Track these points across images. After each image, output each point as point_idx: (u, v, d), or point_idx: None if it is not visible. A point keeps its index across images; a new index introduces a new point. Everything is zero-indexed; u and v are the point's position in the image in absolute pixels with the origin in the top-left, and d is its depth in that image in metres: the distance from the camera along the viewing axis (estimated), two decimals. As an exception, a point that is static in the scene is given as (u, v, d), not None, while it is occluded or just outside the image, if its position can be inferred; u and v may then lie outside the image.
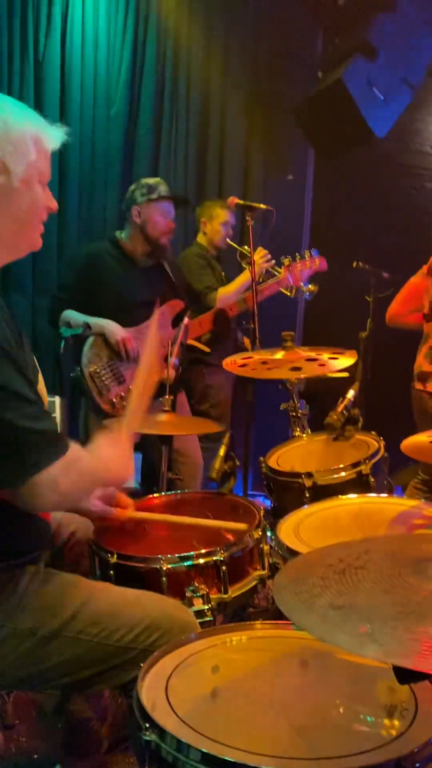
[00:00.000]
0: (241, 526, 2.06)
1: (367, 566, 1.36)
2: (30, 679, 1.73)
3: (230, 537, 2.12)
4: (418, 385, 3.65)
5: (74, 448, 1.61)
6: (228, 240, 4.45)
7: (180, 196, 3.85)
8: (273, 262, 4.04)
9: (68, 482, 1.57)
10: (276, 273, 4.04)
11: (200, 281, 4.21)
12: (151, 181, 3.68)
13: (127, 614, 1.72)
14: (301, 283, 4.05)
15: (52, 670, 1.69)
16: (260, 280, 3.99)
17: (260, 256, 3.97)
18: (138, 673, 1.43)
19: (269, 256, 4.04)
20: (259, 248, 3.98)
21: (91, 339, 3.54)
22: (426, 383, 3.61)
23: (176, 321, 3.72)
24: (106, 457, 1.76)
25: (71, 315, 3.57)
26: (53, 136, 1.71)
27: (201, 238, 4.52)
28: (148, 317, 3.61)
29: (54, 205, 1.75)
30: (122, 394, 3.54)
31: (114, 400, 3.53)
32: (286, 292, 4.07)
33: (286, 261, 4.03)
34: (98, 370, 3.55)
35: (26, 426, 1.50)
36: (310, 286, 4.04)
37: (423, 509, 2.22)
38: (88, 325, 3.51)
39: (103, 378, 3.55)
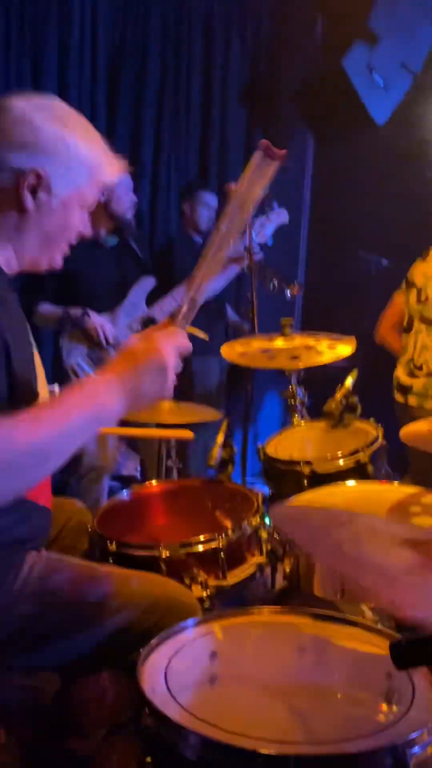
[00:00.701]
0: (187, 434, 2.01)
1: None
2: (35, 661, 1.75)
3: (228, 524, 2.12)
4: (399, 398, 3.66)
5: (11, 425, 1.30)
6: (213, 225, 4.41)
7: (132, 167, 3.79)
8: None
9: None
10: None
11: (183, 263, 4.16)
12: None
13: (128, 595, 1.73)
14: (265, 240, 3.93)
15: (55, 652, 1.71)
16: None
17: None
18: (140, 653, 1.45)
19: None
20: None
21: (67, 332, 3.50)
22: (407, 396, 3.61)
23: (149, 300, 3.69)
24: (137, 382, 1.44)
25: (45, 309, 3.52)
26: (112, 170, 1.68)
27: (183, 223, 4.42)
28: (121, 300, 3.60)
29: (87, 231, 1.73)
30: None
31: None
32: (269, 289, 3.97)
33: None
34: (79, 362, 3.51)
35: None
36: (295, 286, 3.96)
37: (421, 497, 2.22)
38: (67, 314, 3.46)
39: (87, 369, 3.52)
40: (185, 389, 4.15)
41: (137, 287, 3.65)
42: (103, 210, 3.55)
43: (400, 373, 3.66)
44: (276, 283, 3.91)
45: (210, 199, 4.32)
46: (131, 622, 1.70)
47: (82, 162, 1.62)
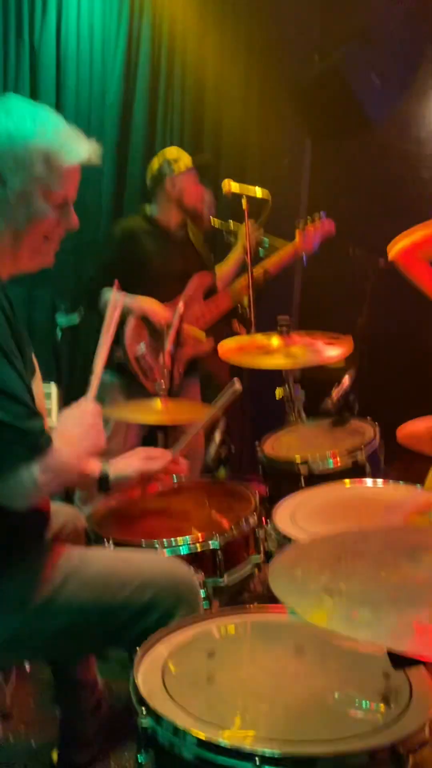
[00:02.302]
0: None
1: (363, 554, 1.36)
2: (28, 652, 1.75)
3: (225, 523, 2.12)
4: None
5: (54, 445, 1.61)
6: (212, 219, 4.40)
7: (200, 158, 3.81)
8: (262, 230, 3.98)
9: (47, 479, 1.59)
10: (270, 245, 3.94)
11: (191, 264, 4.18)
12: (173, 151, 3.66)
13: (120, 572, 1.74)
14: (314, 250, 3.98)
15: (48, 640, 1.71)
16: (260, 253, 3.92)
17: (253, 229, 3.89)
18: (136, 630, 1.44)
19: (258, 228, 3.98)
20: (249, 222, 3.89)
21: (132, 320, 3.51)
22: None
23: (206, 295, 3.72)
24: (79, 438, 1.75)
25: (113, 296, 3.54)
26: (71, 152, 1.67)
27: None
28: (181, 290, 3.64)
29: (72, 224, 1.74)
30: (164, 371, 3.51)
31: (158, 379, 3.51)
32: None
33: (300, 225, 3.96)
34: (143, 353, 3.53)
35: (12, 424, 1.53)
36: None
37: (418, 496, 2.22)
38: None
39: (148, 358, 3.53)
40: (204, 388, 4.13)
41: (195, 280, 3.69)
42: (175, 204, 3.60)
43: None
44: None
45: (206, 196, 4.33)
46: (123, 599, 1.70)
47: (33, 151, 1.62)
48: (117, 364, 3.47)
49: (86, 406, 1.85)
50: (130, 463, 2.01)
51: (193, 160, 3.66)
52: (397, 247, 3.34)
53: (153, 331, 3.52)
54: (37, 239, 1.70)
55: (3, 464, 1.54)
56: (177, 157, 3.62)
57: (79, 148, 1.69)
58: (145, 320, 3.51)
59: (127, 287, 3.51)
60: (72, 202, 1.73)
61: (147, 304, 3.48)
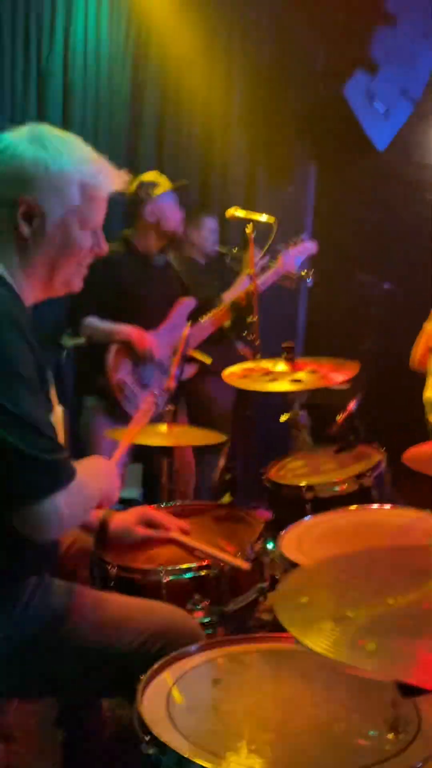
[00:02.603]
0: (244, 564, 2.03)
1: (369, 578, 1.35)
2: (34, 689, 1.73)
3: (230, 549, 2.11)
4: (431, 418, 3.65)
5: (78, 476, 1.63)
6: (218, 247, 4.44)
7: (178, 183, 3.83)
8: (268, 258, 4.00)
9: (71, 510, 1.60)
10: (270, 266, 3.97)
11: (201, 288, 4.21)
12: (150, 177, 3.67)
13: (133, 622, 1.72)
14: (295, 269, 4.00)
15: (56, 679, 1.70)
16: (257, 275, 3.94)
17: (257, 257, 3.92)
18: (141, 679, 1.43)
19: (265, 260, 4.00)
20: (256, 250, 3.92)
21: (114, 347, 3.53)
22: None
23: (190, 318, 3.72)
24: (98, 479, 1.83)
25: (94, 323, 3.56)
26: (105, 182, 1.71)
27: (188, 249, 4.50)
28: (165, 317, 3.65)
29: (103, 250, 1.78)
30: (148, 399, 3.51)
31: (142, 406, 3.51)
32: (286, 283, 4.03)
33: (281, 246, 3.98)
34: (125, 378, 3.54)
35: (36, 456, 1.52)
36: (302, 272, 4.00)
37: (426, 520, 2.21)
38: (87, 333, 3.50)
39: (131, 385, 3.54)
40: (203, 413, 4.14)
41: (179, 307, 3.69)
42: (153, 230, 3.59)
43: (430, 394, 3.66)
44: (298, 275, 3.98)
45: (212, 223, 4.39)
46: (133, 649, 1.69)
47: (69, 181, 1.66)
48: (100, 389, 3.50)
49: (106, 462, 1.95)
50: (130, 529, 2.07)
51: (172, 184, 3.66)
52: (412, 359, 3.60)
53: (135, 357, 3.53)
54: (71, 267, 1.74)
55: (28, 497, 1.54)
56: (154, 180, 3.62)
57: (111, 178, 1.74)
58: (127, 347, 3.51)
59: (109, 314, 3.54)
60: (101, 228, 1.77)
61: (129, 330, 3.50)
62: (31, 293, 1.70)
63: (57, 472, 1.57)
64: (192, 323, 3.58)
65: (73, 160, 1.67)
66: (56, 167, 1.64)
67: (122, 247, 3.66)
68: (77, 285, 1.79)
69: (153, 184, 3.60)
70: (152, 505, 2.48)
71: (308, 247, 4.05)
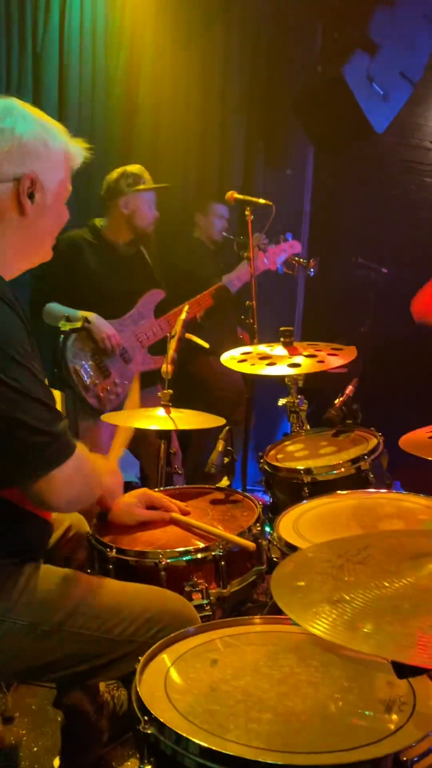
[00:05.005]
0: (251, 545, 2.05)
1: (366, 561, 1.36)
2: (31, 673, 1.75)
3: (228, 532, 2.12)
4: None
5: (81, 449, 1.66)
6: (224, 233, 4.46)
7: (161, 184, 3.83)
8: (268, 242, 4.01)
9: (79, 480, 1.65)
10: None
11: (205, 268, 4.21)
12: (134, 169, 3.66)
13: (128, 608, 1.74)
14: (276, 268, 4.01)
15: (52, 664, 1.71)
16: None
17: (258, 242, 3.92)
18: (139, 660, 1.45)
19: (266, 240, 4.00)
20: (256, 235, 3.91)
21: (73, 334, 3.53)
22: None
23: (157, 312, 3.73)
24: (102, 472, 1.89)
25: (54, 308, 3.55)
26: (78, 153, 1.76)
27: (197, 233, 4.53)
28: (130, 308, 3.65)
29: (66, 219, 1.80)
30: (108, 387, 3.53)
31: (101, 394, 3.53)
32: (288, 271, 4.04)
33: (262, 246, 3.97)
34: (83, 365, 3.54)
35: (41, 428, 1.55)
36: (311, 261, 4.01)
37: (422, 504, 2.22)
38: (87, 320, 3.50)
39: (90, 372, 3.54)
40: (216, 388, 4.12)
41: (147, 298, 3.69)
42: (125, 222, 3.60)
43: None
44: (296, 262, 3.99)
45: (223, 210, 4.42)
46: (128, 636, 1.71)
47: (58, 155, 1.70)
48: (60, 378, 3.52)
49: (109, 462, 2.05)
50: (132, 512, 2.12)
51: (155, 184, 3.66)
52: (415, 309, 3.52)
53: (96, 346, 3.53)
54: (53, 239, 1.78)
55: (38, 468, 1.56)
56: (138, 175, 3.62)
57: (80, 150, 1.78)
58: (88, 335, 3.51)
59: (73, 300, 3.54)
60: None
61: (91, 319, 3.50)
62: (14, 267, 1.71)
63: (62, 442, 1.59)
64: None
65: (58, 135, 1.71)
66: (51, 142, 1.67)
67: (89, 234, 3.66)
68: (50, 255, 1.81)
69: (136, 178, 3.60)
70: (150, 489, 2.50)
71: (291, 247, 4.05)
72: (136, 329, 3.68)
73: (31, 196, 1.65)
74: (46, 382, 1.76)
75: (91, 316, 3.51)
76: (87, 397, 3.52)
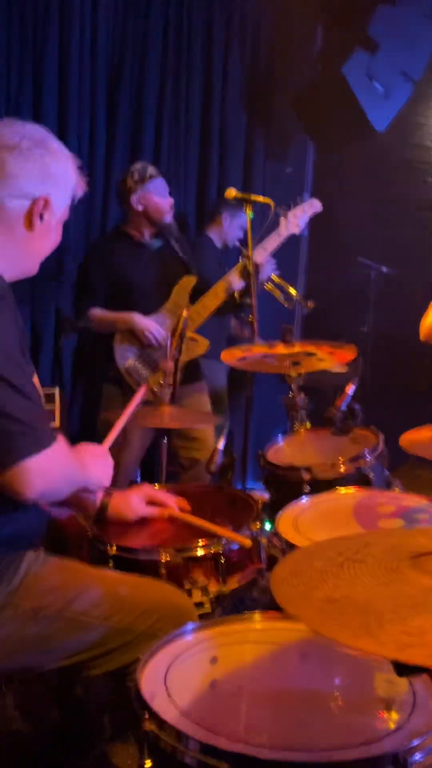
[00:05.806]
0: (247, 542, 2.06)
1: (366, 560, 1.36)
2: (32, 661, 1.76)
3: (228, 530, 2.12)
4: None
5: (61, 443, 1.67)
6: (237, 242, 4.47)
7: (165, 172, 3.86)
8: (278, 272, 3.99)
9: (53, 474, 1.65)
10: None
11: (206, 266, 4.21)
12: (137, 166, 3.69)
13: (127, 597, 1.76)
14: (299, 231, 3.95)
15: (52, 652, 1.73)
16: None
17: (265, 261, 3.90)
18: (136, 656, 1.46)
19: (274, 264, 3.97)
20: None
21: (117, 335, 3.57)
22: None
23: (193, 297, 3.73)
24: (88, 462, 1.86)
25: (97, 314, 3.63)
26: (82, 184, 1.84)
27: (213, 230, 4.52)
28: (164, 300, 3.67)
29: (59, 241, 1.87)
30: (160, 381, 3.53)
31: (154, 388, 3.53)
32: (283, 303, 4.03)
33: (283, 213, 3.93)
34: (133, 364, 3.57)
35: (16, 417, 1.57)
36: (309, 302, 4.01)
37: (421, 503, 2.23)
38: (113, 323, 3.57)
39: (140, 370, 3.57)
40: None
41: (179, 287, 3.70)
42: (143, 218, 3.63)
43: None
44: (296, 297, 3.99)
45: (243, 221, 4.36)
46: (126, 625, 1.72)
47: (68, 184, 1.79)
48: (113, 377, 3.55)
49: (100, 448, 1.97)
50: (132, 507, 2.12)
51: (159, 172, 3.69)
52: (424, 329, 3.51)
53: (140, 343, 3.56)
54: (44, 258, 1.85)
55: (10, 456, 1.57)
56: (142, 169, 3.65)
57: (83, 181, 1.85)
58: (130, 333, 3.56)
59: (112, 303, 3.58)
60: None
61: (127, 317, 3.55)
62: (11, 275, 1.75)
63: (39, 433, 1.61)
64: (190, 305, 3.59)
65: (69, 163, 1.80)
66: (66, 170, 1.77)
67: (116, 238, 3.73)
68: (34, 272, 1.86)
69: (141, 173, 3.62)
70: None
71: (313, 204, 3.99)
72: (175, 319, 3.68)
73: (40, 216, 1.73)
74: (36, 381, 1.79)
75: (128, 316, 3.56)
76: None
